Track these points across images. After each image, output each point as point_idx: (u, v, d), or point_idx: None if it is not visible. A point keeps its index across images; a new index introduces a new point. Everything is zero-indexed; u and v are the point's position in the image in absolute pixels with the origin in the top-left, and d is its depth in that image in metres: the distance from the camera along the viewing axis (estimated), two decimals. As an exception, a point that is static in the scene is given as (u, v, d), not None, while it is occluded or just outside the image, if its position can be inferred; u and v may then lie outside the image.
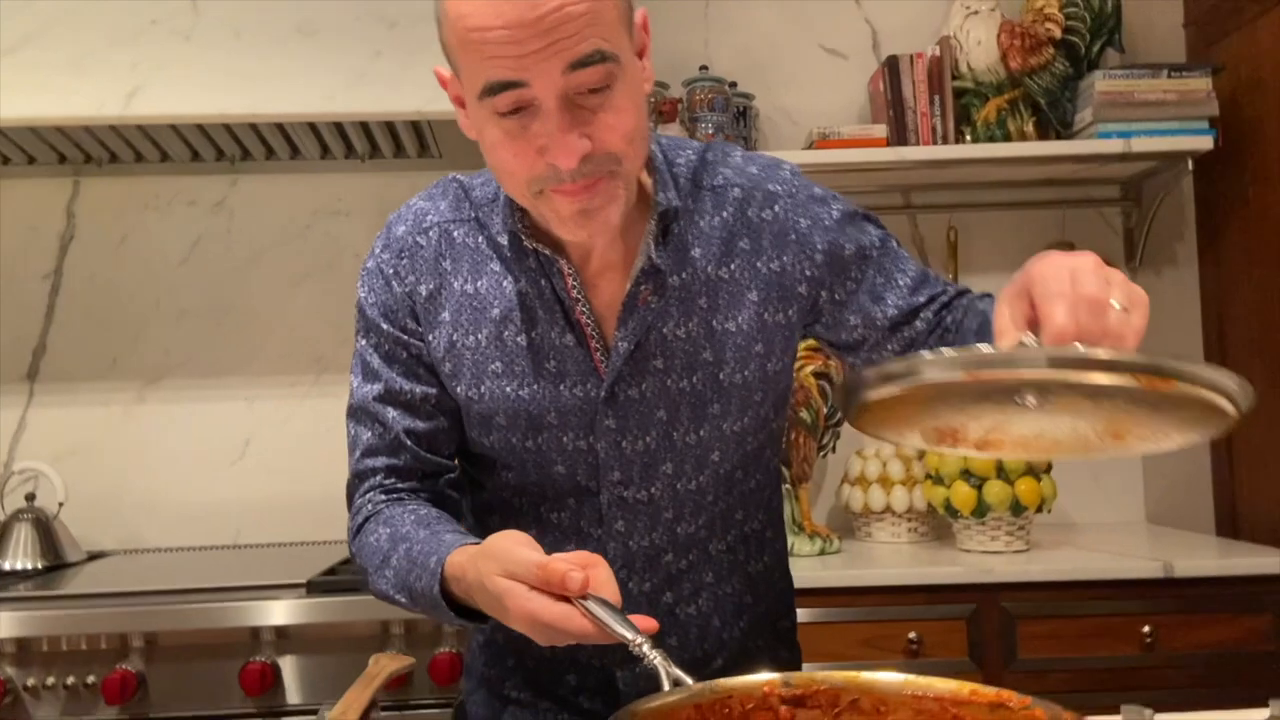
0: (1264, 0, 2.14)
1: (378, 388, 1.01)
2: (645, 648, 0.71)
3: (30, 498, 2.17)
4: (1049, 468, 2.05)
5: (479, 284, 0.99)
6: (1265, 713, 0.87)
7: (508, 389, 0.97)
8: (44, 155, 2.26)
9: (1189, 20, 2.39)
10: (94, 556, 2.23)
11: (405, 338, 1.01)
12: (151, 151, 2.27)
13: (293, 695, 1.74)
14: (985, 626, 1.86)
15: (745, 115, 2.40)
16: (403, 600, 0.93)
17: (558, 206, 0.87)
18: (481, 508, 1.08)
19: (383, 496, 1.01)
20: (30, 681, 1.75)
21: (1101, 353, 0.59)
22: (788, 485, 2.14)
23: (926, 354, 0.61)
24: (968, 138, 2.31)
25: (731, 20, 2.54)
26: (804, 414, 2.08)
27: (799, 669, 1.13)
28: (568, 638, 0.76)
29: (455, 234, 1.00)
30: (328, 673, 1.75)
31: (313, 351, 2.40)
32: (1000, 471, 2.01)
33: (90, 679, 1.73)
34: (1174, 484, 2.41)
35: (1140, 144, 2.18)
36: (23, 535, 2.12)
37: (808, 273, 1.00)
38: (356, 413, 1.04)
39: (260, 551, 2.28)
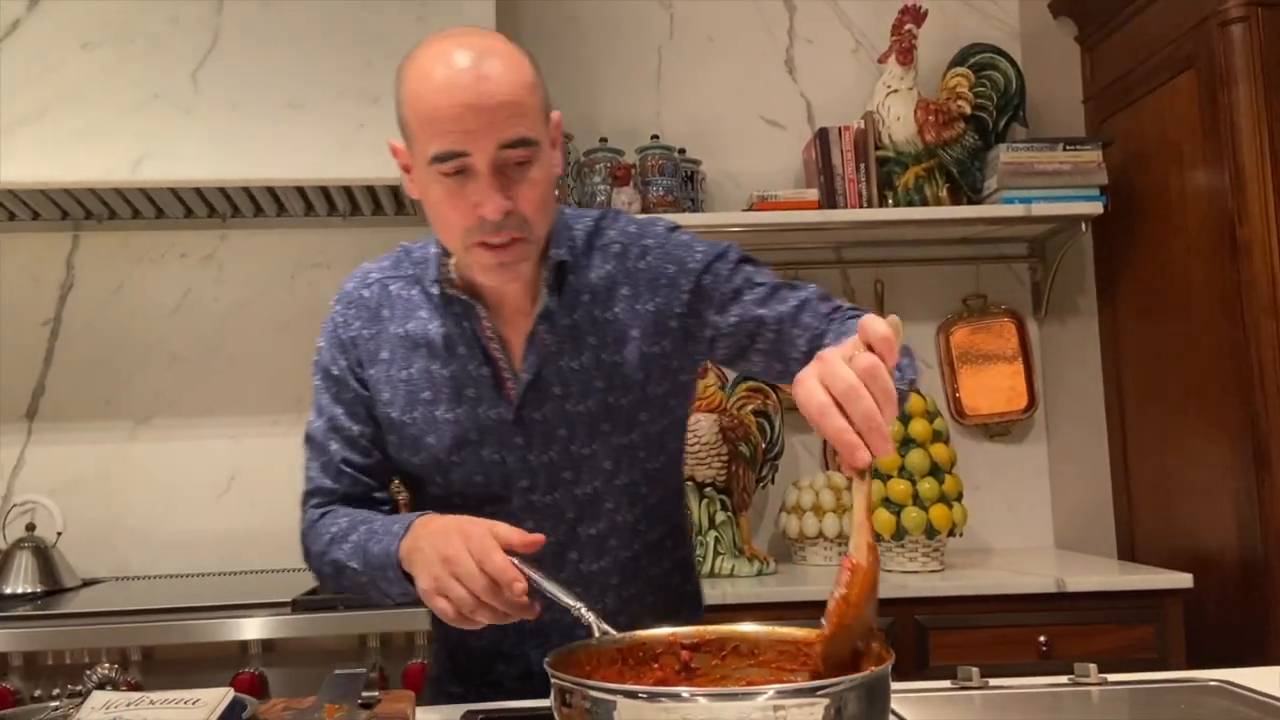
0: (1148, 82, 2.43)
1: (324, 422, 1.23)
2: (583, 610, 0.93)
3: (30, 528, 2.35)
4: (960, 496, 2.29)
5: (409, 326, 1.19)
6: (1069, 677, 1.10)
7: (435, 413, 1.18)
8: (48, 211, 2.46)
9: (1087, 96, 2.68)
10: (88, 583, 2.40)
11: (349, 379, 1.21)
12: (148, 208, 2.48)
13: (279, 702, 1.93)
14: (902, 637, 2.09)
15: (693, 179, 2.66)
16: (355, 565, 1.12)
17: (482, 258, 1.09)
18: None
19: (328, 508, 1.22)
20: (37, 693, 1.92)
21: None
22: (730, 513, 2.36)
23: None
24: (890, 201, 2.58)
25: (681, 92, 2.80)
26: (743, 448, 2.32)
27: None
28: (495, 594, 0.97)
29: (392, 287, 1.23)
30: (312, 682, 1.93)
31: (294, 393, 2.58)
32: (916, 499, 2.25)
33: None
34: (1079, 513, 2.66)
35: (1039, 208, 2.47)
36: (23, 562, 2.29)
37: (678, 309, 1.19)
38: (309, 440, 1.25)
39: (245, 577, 2.46)
